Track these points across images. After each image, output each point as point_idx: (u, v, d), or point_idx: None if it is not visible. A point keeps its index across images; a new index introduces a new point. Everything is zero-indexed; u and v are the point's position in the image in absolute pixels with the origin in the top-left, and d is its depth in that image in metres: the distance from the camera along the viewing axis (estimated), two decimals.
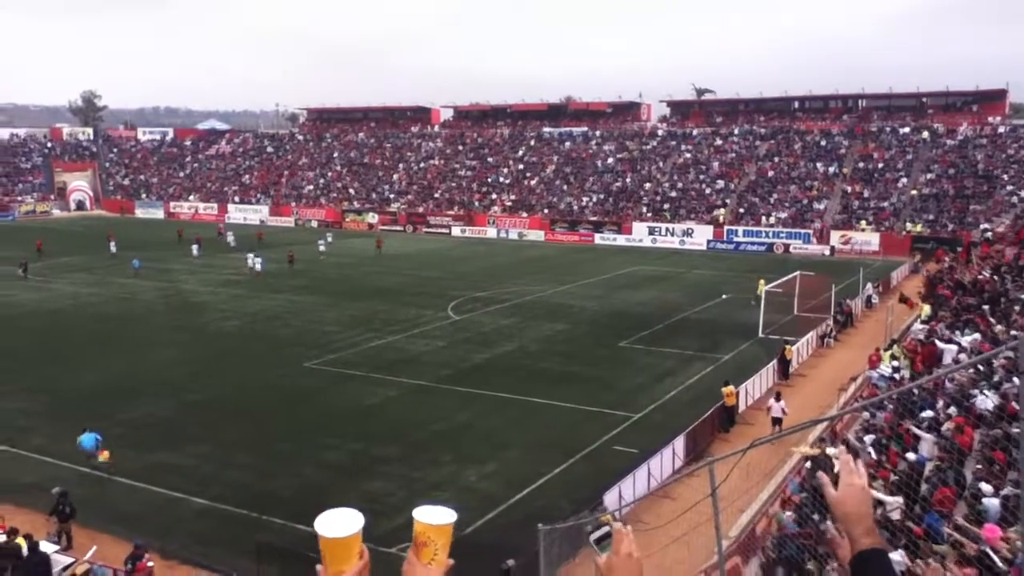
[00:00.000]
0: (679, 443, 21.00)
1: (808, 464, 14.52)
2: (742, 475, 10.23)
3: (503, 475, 20.75)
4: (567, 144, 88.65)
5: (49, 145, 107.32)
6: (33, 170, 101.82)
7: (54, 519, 16.85)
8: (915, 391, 15.85)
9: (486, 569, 15.11)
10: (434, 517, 2.29)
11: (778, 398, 24.22)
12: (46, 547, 15.29)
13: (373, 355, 32.29)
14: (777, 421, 23.35)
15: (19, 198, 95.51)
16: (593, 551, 2.47)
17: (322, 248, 63.00)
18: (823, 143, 77.34)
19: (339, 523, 2.21)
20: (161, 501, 19.14)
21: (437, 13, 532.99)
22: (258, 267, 52.66)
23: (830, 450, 14.74)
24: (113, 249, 60.29)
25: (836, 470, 2.55)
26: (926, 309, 28.25)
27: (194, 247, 61.16)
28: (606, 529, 2.48)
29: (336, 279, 51.02)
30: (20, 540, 14.88)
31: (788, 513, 12.55)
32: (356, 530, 2.20)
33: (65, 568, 14.96)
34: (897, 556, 9.40)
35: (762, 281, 43.89)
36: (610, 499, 17.66)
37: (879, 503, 11.81)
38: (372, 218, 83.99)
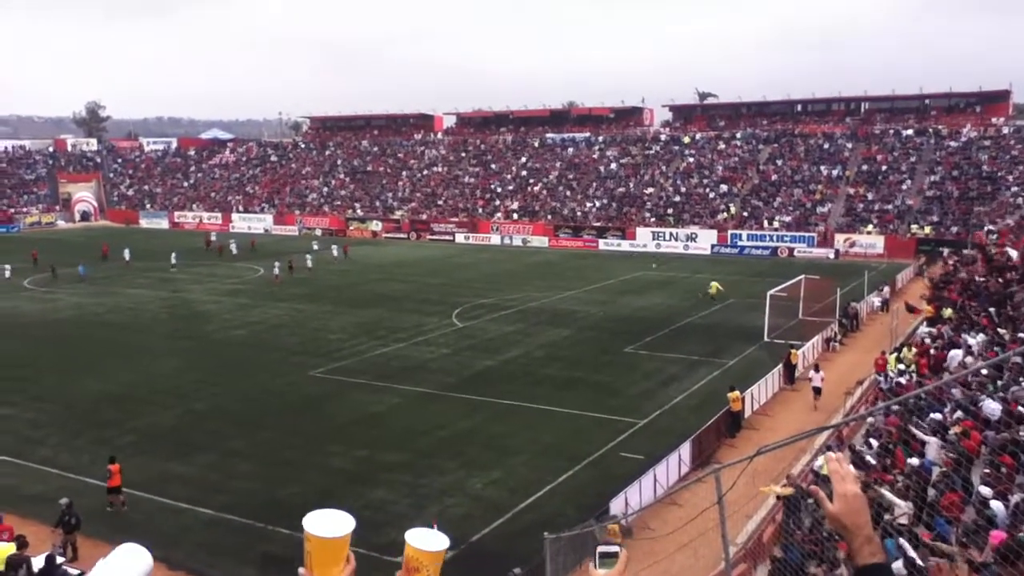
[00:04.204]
0: (685, 449, 20.94)
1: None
2: (749, 481, 10.21)
3: (508, 482, 20.70)
4: (570, 150, 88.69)
5: (53, 155, 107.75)
6: (38, 181, 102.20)
7: (59, 530, 16.83)
8: (923, 395, 15.77)
9: None
10: (427, 543, 2.24)
11: (817, 369, 27.54)
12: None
13: (378, 363, 32.27)
14: (817, 391, 26.51)
15: (24, 209, 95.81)
16: (593, 562, 2.44)
17: (335, 253, 64.24)
18: (826, 146, 77.28)
19: (330, 523, 2.13)
20: (167, 511, 19.13)
21: (440, 18, 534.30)
22: (276, 270, 53.97)
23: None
24: (127, 257, 61.56)
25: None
26: (947, 311, 28.06)
27: (173, 256, 60.97)
28: (615, 548, 2.46)
29: (340, 287, 51.07)
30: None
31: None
32: (347, 531, 2.13)
33: None
34: (898, 564, 9.34)
35: (715, 283, 44.72)
36: (616, 506, 17.60)
37: (886, 508, 11.75)
38: (376, 226, 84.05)
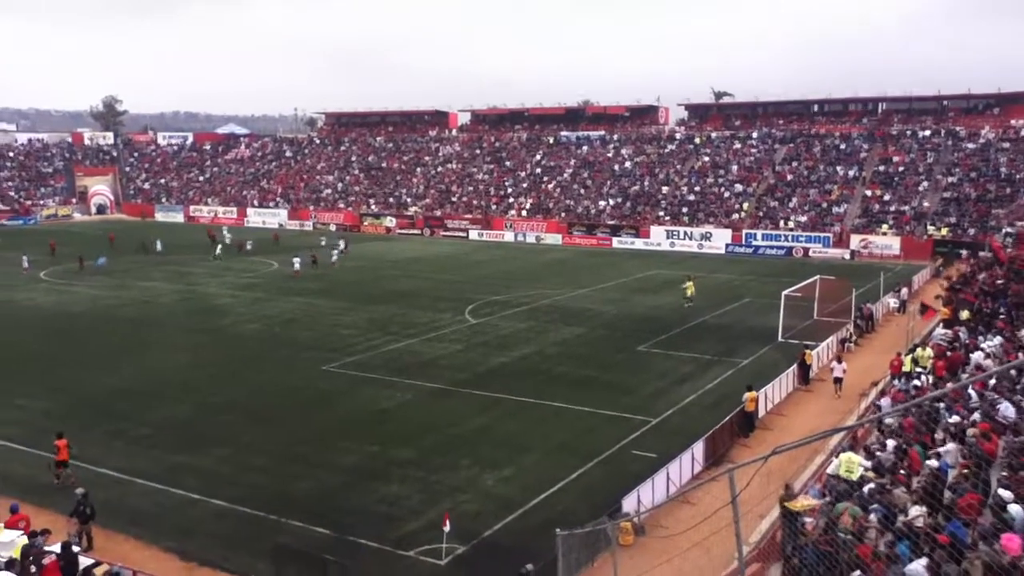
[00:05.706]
0: (698, 448, 20.88)
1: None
2: (762, 481, 10.16)
3: (521, 479, 20.69)
4: (584, 148, 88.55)
5: (71, 148, 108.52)
6: (55, 175, 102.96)
7: (75, 520, 16.95)
8: (940, 398, 15.66)
9: (505, 573, 15.09)
10: None
11: (840, 360, 28.34)
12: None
13: (391, 358, 32.33)
14: (838, 381, 27.46)
15: (41, 202, 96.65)
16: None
17: (342, 245, 65.57)
18: (842, 146, 76.84)
19: None
20: (181, 503, 19.23)
21: (456, 16, 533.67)
22: (296, 266, 54.42)
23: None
24: (159, 248, 64.55)
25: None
26: (964, 313, 27.85)
27: (218, 248, 63.77)
28: None
29: (353, 282, 51.20)
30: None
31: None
32: None
33: (86, 569, 15.01)
34: (919, 567, 9.26)
35: (690, 283, 44.04)
36: (629, 504, 17.58)
37: (900, 510, 11.66)
38: (390, 222, 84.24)
